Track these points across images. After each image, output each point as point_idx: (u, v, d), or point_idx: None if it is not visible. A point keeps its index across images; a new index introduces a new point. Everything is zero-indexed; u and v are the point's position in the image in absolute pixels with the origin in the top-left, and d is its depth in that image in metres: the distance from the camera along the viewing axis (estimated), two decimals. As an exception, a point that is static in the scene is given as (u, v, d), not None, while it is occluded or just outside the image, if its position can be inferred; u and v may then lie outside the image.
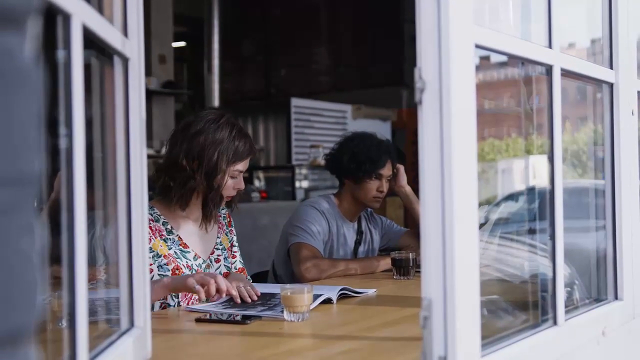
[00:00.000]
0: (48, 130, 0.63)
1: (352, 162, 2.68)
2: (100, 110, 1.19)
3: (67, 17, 0.86)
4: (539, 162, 1.55)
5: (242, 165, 2.10)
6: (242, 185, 2.13)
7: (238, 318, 1.71)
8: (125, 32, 1.19)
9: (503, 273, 1.64)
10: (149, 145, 6.13)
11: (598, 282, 1.70)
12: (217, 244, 2.21)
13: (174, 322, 1.80)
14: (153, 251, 2.01)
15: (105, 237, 1.25)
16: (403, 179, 2.82)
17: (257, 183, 6.70)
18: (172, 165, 2.05)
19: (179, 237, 2.09)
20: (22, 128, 0.57)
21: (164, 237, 2.06)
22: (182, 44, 9.42)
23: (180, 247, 2.09)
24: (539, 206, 1.55)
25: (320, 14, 8.77)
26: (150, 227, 2.02)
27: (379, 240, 2.91)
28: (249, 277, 2.34)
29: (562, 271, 1.37)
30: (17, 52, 0.56)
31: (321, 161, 6.34)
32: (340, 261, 2.58)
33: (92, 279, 1.00)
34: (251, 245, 4.89)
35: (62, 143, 0.86)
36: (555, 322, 1.36)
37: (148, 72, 5.84)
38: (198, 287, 1.79)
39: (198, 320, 1.72)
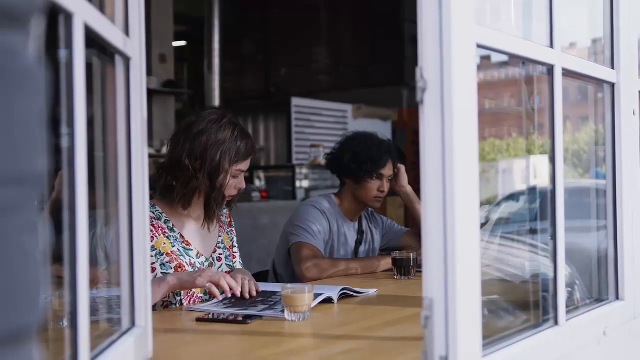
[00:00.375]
0: (50, 129, 0.63)
1: (353, 161, 2.69)
2: (101, 110, 1.18)
3: (69, 17, 0.86)
4: (539, 162, 1.55)
5: (244, 165, 2.12)
6: (244, 185, 2.15)
7: (239, 318, 1.72)
8: (126, 31, 1.19)
9: (504, 273, 1.64)
10: (149, 144, 6.13)
11: (599, 282, 1.70)
12: (218, 242, 2.22)
13: (175, 322, 1.80)
14: (155, 249, 2.02)
15: (106, 236, 1.25)
16: (404, 178, 2.82)
17: (257, 183, 6.69)
18: (174, 165, 2.06)
19: (181, 235, 2.10)
20: (26, 127, 0.57)
21: (167, 235, 2.06)
22: (182, 43, 9.42)
23: (183, 244, 2.09)
24: (540, 206, 1.55)
25: (320, 13, 8.77)
26: (153, 225, 2.03)
27: (380, 240, 2.91)
28: None
29: (564, 271, 1.37)
30: (20, 51, 0.56)
31: (322, 161, 6.35)
32: (341, 261, 2.58)
33: (94, 283, 1.00)
34: (251, 245, 4.89)
35: (64, 142, 0.86)
36: (556, 322, 1.36)
37: (148, 71, 5.82)
38: (210, 285, 1.81)
39: (199, 319, 1.72)
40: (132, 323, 1.22)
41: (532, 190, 1.66)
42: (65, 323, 0.93)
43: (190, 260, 2.08)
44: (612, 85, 1.65)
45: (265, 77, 9.25)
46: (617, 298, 1.65)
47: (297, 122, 7.06)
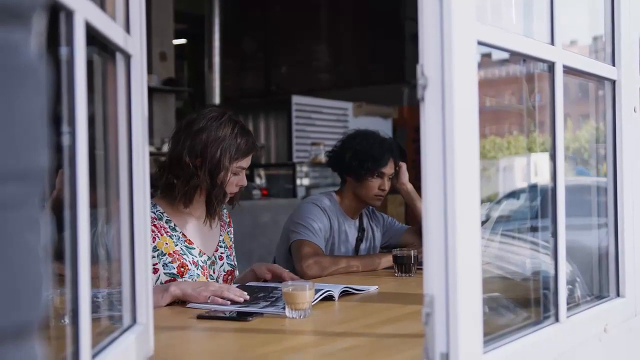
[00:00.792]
0: (51, 127, 0.63)
1: (354, 159, 2.69)
2: (102, 107, 1.18)
3: (70, 14, 0.86)
4: (540, 159, 1.55)
5: (244, 162, 2.12)
6: (245, 182, 2.15)
7: (240, 315, 1.72)
8: (127, 28, 1.19)
9: (504, 270, 1.64)
10: (150, 142, 6.13)
11: (600, 279, 1.70)
12: (220, 241, 2.22)
13: (176, 319, 1.80)
14: (157, 250, 2.02)
15: (107, 234, 1.25)
16: (405, 176, 2.82)
17: (258, 180, 6.69)
18: (175, 162, 2.06)
19: (183, 234, 2.10)
20: (27, 123, 0.57)
21: (169, 234, 2.07)
22: (182, 41, 9.42)
23: (186, 243, 2.09)
24: (540, 203, 1.55)
25: (320, 11, 8.77)
26: (154, 225, 2.03)
27: (381, 237, 2.91)
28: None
29: (564, 268, 1.37)
30: (22, 47, 0.56)
31: (322, 159, 6.35)
32: (341, 258, 2.58)
33: (95, 281, 1.00)
34: (252, 243, 4.89)
35: (65, 140, 0.86)
36: (557, 319, 1.36)
37: (149, 69, 5.83)
38: (214, 298, 1.83)
39: (200, 317, 1.73)
40: (134, 320, 1.22)
41: (532, 187, 1.66)
42: (67, 320, 0.93)
43: (193, 258, 2.08)
44: (613, 82, 1.65)
45: (265, 75, 9.25)
46: (618, 295, 1.65)
47: (298, 120, 7.06)
